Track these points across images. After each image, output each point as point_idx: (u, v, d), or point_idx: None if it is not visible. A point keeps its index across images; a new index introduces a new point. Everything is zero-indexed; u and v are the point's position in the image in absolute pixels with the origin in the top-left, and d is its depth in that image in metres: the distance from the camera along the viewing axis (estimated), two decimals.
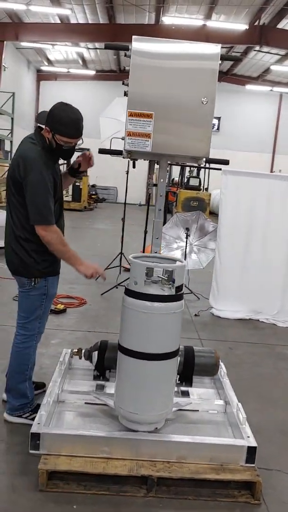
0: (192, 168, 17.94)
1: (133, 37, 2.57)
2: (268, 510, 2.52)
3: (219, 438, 2.79)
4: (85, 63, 22.14)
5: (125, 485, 2.59)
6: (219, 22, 15.31)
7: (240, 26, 15.20)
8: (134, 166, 3.19)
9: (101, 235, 12.47)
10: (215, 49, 2.58)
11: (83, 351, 3.50)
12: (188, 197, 16.02)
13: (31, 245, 2.92)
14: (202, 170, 17.68)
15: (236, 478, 2.57)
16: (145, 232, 6.50)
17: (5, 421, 3.17)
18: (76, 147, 2.91)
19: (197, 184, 17.02)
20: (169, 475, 2.56)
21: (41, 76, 24.39)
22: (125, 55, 2.68)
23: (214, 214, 15.95)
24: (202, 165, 2.93)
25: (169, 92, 2.60)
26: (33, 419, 3.11)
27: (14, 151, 3.33)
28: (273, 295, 5.78)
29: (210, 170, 16.73)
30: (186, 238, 6.76)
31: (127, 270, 7.88)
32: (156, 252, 3.05)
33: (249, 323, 5.70)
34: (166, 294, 2.67)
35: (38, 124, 3.00)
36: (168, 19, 15.79)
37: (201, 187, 17.03)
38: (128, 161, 3.09)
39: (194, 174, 17.78)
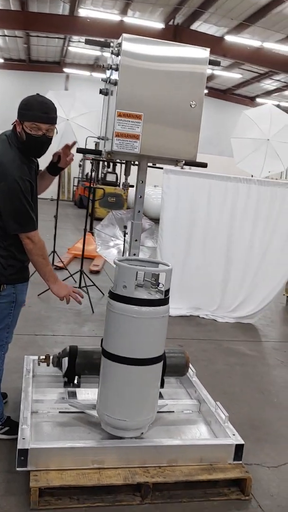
0: (105, 163, 17.91)
1: (123, 36, 2.50)
2: (259, 504, 2.61)
3: (209, 439, 2.85)
4: None
5: (119, 494, 2.54)
6: (135, 19, 15.35)
7: (156, 24, 15.37)
8: (108, 166, 3.10)
9: None
10: (204, 53, 2.58)
11: (51, 357, 3.37)
12: (106, 192, 15.95)
13: None
14: (118, 165, 17.73)
15: (228, 476, 2.63)
16: (85, 230, 6.35)
17: None
18: (48, 136, 2.69)
19: (114, 180, 17.02)
20: (164, 480, 2.55)
21: None
22: (112, 52, 2.58)
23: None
24: (180, 165, 2.92)
25: (157, 95, 2.56)
26: (4, 433, 2.95)
27: None
28: (212, 291, 5.96)
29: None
30: (124, 236, 6.74)
31: (59, 268, 7.70)
32: (134, 254, 3.01)
33: (191, 320, 5.84)
34: (156, 298, 2.65)
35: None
36: (83, 11, 15.54)
37: (118, 183, 17.05)
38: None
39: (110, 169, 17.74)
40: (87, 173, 20.49)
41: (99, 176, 17.74)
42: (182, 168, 4.71)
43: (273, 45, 15.87)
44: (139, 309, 2.59)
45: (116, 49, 2.57)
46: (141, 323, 2.60)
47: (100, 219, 12.42)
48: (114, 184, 16.96)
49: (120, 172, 17.48)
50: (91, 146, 11.39)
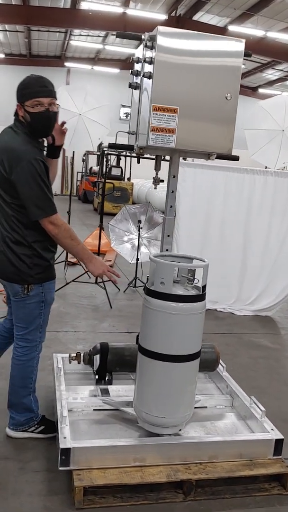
0: (110, 157, 17.85)
1: (158, 29, 2.44)
2: None
3: (248, 435, 2.83)
4: None
5: (161, 492, 2.52)
6: (138, 11, 15.23)
7: (159, 16, 15.24)
8: (138, 162, 3.07)
9: None
10: (239, 45, 2.54)
11: (82, 355, 3.35)
12: (111, 187, 15.90)
13: (23, 249, 2.69)
14: (123, 159, 17.68)
15: (270, 472, 2.62)
16: (101, 226, 6.32)
17: (8, 437, 2.94)
18: (51, 111, 2.64)
19: (119, 174, 16.96)
20: (207, 477, 2.53)
21: None
22: (146, 45, 2.53)
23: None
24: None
25: (193, 88, 2.52)
26: (40, 432, 2.94)
27: None
28: (230, 284, 5.94)
29: (130, 159, 16.83)
30: (139, 230, 6.72)
31: (73, 264, 7.68)
32: (167, 250, 2.98)
33: (209, 313, 5.81)
34: (194, 294, 2.62)
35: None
36: (85, 4, 15.40)
37: (123, 177, 16.99)
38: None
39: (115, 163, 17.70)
40: (91, 168, 20.48)
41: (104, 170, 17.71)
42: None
43: (276, 34, 15.75)
44: (177, 306, 2.57)
45: (149, 42, 2.51)
46: (179, 319, 2.58)
47: (106, 214, 12.37)
48: (119, 178, 16.91)
49: (125, 165, 17.44)
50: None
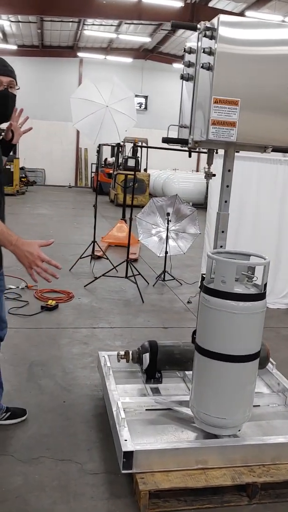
0: (121, 148, 17.72)
1: (220, 19, 2.33)
2: None
3: None
4: (5, 37, 20.83)
5: (225, 495, 2.47)
6: None
7: (175, 3, 15.01)
8: (190, 156, 2.97)
9: (47, 221, 11.95)
10: None
11: (130, 353, 3.30)
12: (128, 178, 15.81)
13: None
14: (138, 149, 17.51)
15: None
16: (130, 220, 6.24)
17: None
18: (10, 92, 2.51)
19: (135, 165, 16.79)
20: (272, 480, 2.47)
21: None
22: (205, 35, 2.43)
23: (153, 197, 15.92)
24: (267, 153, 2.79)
25: (254, 79, 2.43)
26: (7, 418, 3.01)
27: None
28: None
29: (148, 149, 16.68)
30: (168, 223, 6.63)
31: (98, 258, 7.63)
32: (221, 246, 2.90)
33: None
34: (255, 292, 2.55)
35: None
36: None
37: (140, 168, 16.85)
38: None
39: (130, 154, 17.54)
40: (105, 159, 20.33)
41: (120, 162, 17.60)
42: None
43: None
44: (237, 305, 2.49)
45: (208, 32, 2.41)
46: (240, 318, 2.51)
47: (121, 205, 12.29)
48: (135, 169, 16.75)
49: (141, 156, 17.30)
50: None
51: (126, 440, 2.48)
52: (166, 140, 2.75)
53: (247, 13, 15.49)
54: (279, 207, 5.63)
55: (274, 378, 3.37)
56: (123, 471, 2.44)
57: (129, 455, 2.42)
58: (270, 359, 3.44)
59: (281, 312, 5.69)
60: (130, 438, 2.51)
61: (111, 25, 19.16)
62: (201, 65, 2.48)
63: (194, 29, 2.56)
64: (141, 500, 2.34)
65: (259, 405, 3.13)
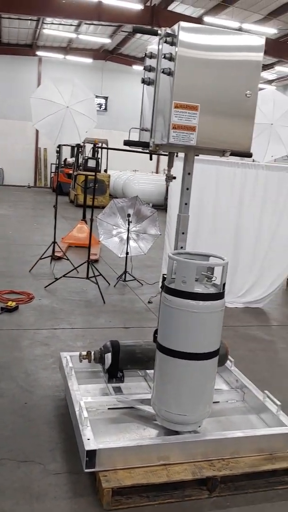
0: (82, 148, 17.64)
1: (181, 25, 2.40)
2: None
3: (268, 429, 2.86)
4: None
5: (186, 489, 2.53)
6: (114, 0, 14.97)
7: (135, 5, 15.08)
8: (151, 159, 3.03)
9: (6, 221, 11.77)
10: (260, 40, 2.54)
11: (92, 354, 3.32)
12: (88, 179, 15.75)
13: None
14: (98, 150, 17.48)
15: None
16: (91, 221, 6.24)
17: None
18: None
19: (95, 166, 16.75)
20: (231, 473, 2.56)
21: None
22: (166, 41, 2.49)
23: (113, 197, 15.93)
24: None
25: (213, 85, 2.51)
26: None
27: None
28: None
29: (107, 150, 16.66)
30: (128, 224, 6.68)
31: (59, 259, 7.59)
32: (182, 247, 2.97)
33: None
34: (215, 292, 2.63)
35: None
36: None
37: (100, 169, 16.80)
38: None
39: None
40: (65, 159, 20.18)
41: (80, 162, 17.51)
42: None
43: (251, 26, 15.79)
44: (198, 304, 2.57)
45: (169, 38, 2.48)
46: (200, 317, 2.58)
47: (81, 206, 12.18)
48: (96, 170, 16.71)
49: (102, 157, 17.26)
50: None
51: (89, 439, 2.51)
52: (127, 142, 2.80)
53: (206, 18, 15.73)
54: (237, 209, 5.77)
55: (232, 375, 3.47)
56: (86, 470, 2.47)
57: (92, 453, 2.45)
58: (229, 357, 3.54)
59: (238, 311, 5.84)
60: (93, 437, 2.54)
61: (71, 25, 19.04)
62: (161, 70, 2.54)
63: (155, 34, 2.62)
64: (104, 498, 2.37)
65: (218, 402, 3.23)
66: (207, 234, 5.81)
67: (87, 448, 2.45)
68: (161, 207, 14.08)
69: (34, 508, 2.37)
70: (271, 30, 16.07)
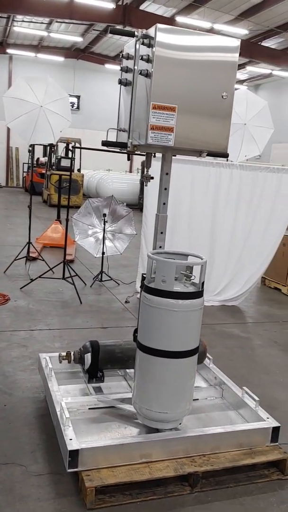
0: (54, 148, 17.51)
1: (158, 27, 2.43)
2: None
3: (248, 424, 2.92)
4: None
5: (168, 486, 2.57)
6: None
7: (107, 4, 15.05)
8: (128, 159, 3.05)
9: None
10: (235, 42, 2.58)
11: (72, 354, 3.32)
12: (64, 179, 15.64)
13: None
14: (74, 150, 17.38)
15: (270, 458, 2.73)
16: (67, 221, 6.21)
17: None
18: None
19: (69, 165, 16.66)
20: (212, 468, 2.60)
21: None
22: (143, 43, 2.51)
23: (87, 197, 15.87)
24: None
25: (190, 86, 2.54)
26: None
27: None
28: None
29: (80, 150, 16.58)
30: (104, 224, 6.68)
31: (34, 259, 7.54)
32: (160, 247, 3.00)
33: None
34: (194, 290, 2.66)
35: None
36: None
37: (73, 168, 16.71)
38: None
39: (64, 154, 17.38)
40: (38, 158, 19.98)
41: (53, 161, 17.38)
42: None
43: (223, 26, 15.96)
44: (177, 303, 2.60)
45: (146, 40, 2.50)
46: (180, 316, 2.62)
47: (54, 206, 12.04)
48: (69, 169, 16.61)
49: (75, 157, 17.17)
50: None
51: (71, 439, 2.52)
52: (106, 143, 2.80)
53: (177, 18, 15.83)
54: (212, 208, 5.84)
55: (211, 372, 3.52)
56: (69, 470, 2.47)
57: (74, 453, 2.45)
58: (207, 354, 3.59)
59: (215, 309, 5.91)
60: (75, 437, 2.55)
61: (42, 23, 18.87)
62: (139, 71, 2.56)
63: (132, 36, 2.63)
64: (87, 497, 2.38)
65: (197, 399, 3.27)
66: (183, 233, 5.85)
67: (69, 448, 2.45)
68: (135, 206, 14.11)
69: (17, 509, 2.36)
70: (242, 31, 16.26)
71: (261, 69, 20.77)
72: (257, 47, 17.88)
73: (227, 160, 6.33)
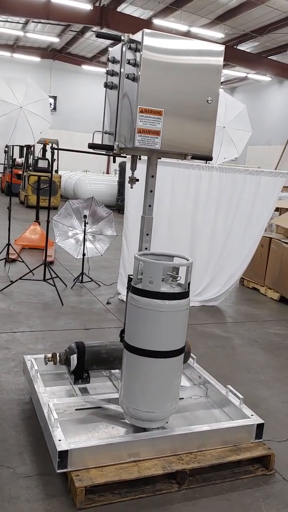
0: (31, 148, 17.39)
1: (145, 31, 2.47)
2: (283, 477, 2.79)
3: (233, 421, 2.97)
4: None
5: (156, 484, 2.60)
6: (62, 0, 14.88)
7: (84, 5, 15.04)
8: (114, 161, 3.08)
9: None
10: (219, 46, 2.65)
11: (57, 355, 3.33)
12: (41, 179, 15.54)
13: None
14: (54, 152, 17.30)
15: (255, 455, 2.79)
16: (47, 222, 6.19)
17: None
18: None
19: (46, 166, 16.57)
20: (199, 465, 2.65)
21: None
22: (130, 48, 2.55)
23: (64, 199, 15.81)
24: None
25: (176, 89, 2.59)
26: None
27: None
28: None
29: (58, 151, 16.52)
30: (85, 225, 6.68)
31: (13, 261, 7.49)
32: (146, 248, 3.04)
33: None
34: (180, 291, 2.71)
35: None
36: None
37: (57, 169, 16.64)
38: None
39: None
40: (14, 159, 19.79)
41: (30, 162, 17.24)
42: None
43: (199, 29, 16.13)
44: (164, 303, 2.64)
45: (133, 44, 2.53)
46: (167, 316, 2.66)
47: (31, 207, 11.90)
48: (46, 170, 16.53)
49: (52, 158, 17.06)
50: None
51: (60, 440, 2.53)
52: (92, 146, 2.83)
53: (154, 20, 15.93)
54: (192, 210, 5.90)
55: (195, 371, 3.57)
56: (58, 471, 2.49)
57: (63, 454, 2.47)
58: (191, 354, 3.64)
59: (195, 310, 5.98)
60: (64, 437, 2.56)
61: (18, 23, 18.74)
62: (125, 75, 2.59)
63: (118, 40, 2.67)
64: (77, 497, 2.40)
65: (182, 398, 3.31)
66: (164, 234, 5.90)
67: (59, 449, 2.47)
68: (113, 207, 14.13)
69: (6, 510, 2.37)
70: (218, 34, 16.47)
71: (237, 72, 21.05)
72: (233, 51, 18.12)
73: (206, 162, 6.42)
